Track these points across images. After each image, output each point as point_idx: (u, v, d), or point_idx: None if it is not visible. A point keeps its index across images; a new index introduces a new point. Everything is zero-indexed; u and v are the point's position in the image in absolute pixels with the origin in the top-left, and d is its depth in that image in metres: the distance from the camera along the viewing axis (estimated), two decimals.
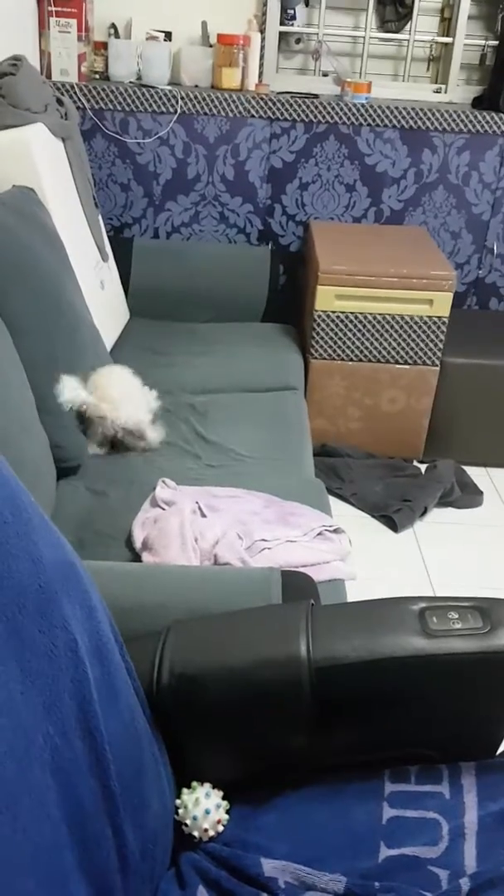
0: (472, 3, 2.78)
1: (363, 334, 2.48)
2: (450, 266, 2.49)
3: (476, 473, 2.66)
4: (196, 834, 0.94)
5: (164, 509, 1.58)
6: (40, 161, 1.96)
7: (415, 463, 2.69)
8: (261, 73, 2.80)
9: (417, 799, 0.96)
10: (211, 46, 2.72)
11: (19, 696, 0.69)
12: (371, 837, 0.93)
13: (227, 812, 0.97)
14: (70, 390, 1.73)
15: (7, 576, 0.71)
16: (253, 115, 2.68)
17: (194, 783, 0.97)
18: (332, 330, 2.48)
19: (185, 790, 0.96)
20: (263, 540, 1.49)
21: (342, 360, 2.52)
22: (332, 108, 2.68)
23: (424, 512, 2.45)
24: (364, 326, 2.47)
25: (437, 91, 2.93)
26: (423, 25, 2.90)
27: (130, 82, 2.70)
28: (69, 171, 2.20)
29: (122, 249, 2.63)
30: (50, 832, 0.69)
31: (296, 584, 1.14)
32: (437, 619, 0.94)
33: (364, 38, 2.88)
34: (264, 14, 2.76)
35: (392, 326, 2.47)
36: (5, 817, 0.63)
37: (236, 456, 1.90)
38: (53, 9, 2.52)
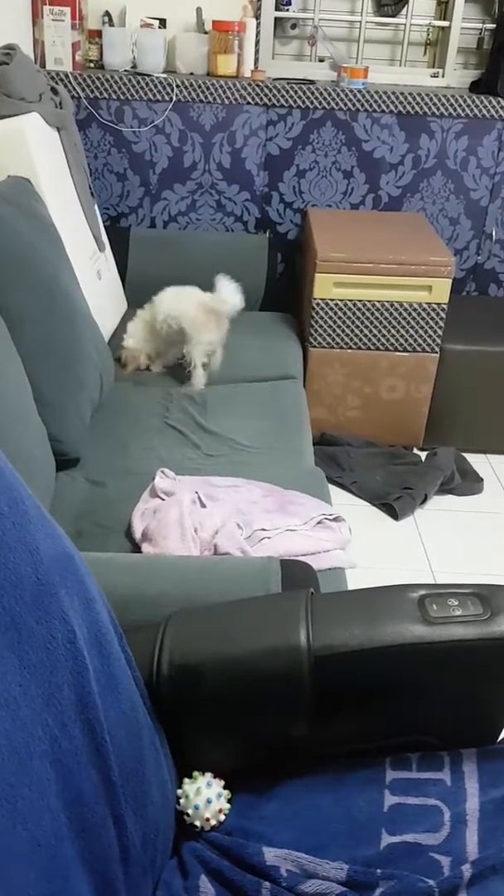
0: None
1: (362, 322, 2.47)
2: (448, 252, 2.48)
3: (476, 460, 2.66)
4: (198, 823, 0.95)
5: (163, 500, 1.58)
6: (35, 151, 1.95)
7: (415, 451, 2.68)
8: (256, 60, 2.78)
9: (419, 786, 0.96)
10: (206, 33, 2.70)
11: (18, 688, 0.68)
12: (372, 825, 0.93)
13: (229, 801, 0.97)
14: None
15: (4, 567, 0.70)
16: (249, 102, 2.66)
17: (195, 773, 0.97)
18: (330, 318, 2.47)
19: (186, 780, 0.96)
20: (263, 529, 1.49)
21: (341, 348, 2.52)
22: (329, 94, 2.66)
23: (425, 499, 2.45)
24: (363, 314, 2.46)
25: (435, 75, 2.91)
26: (420, 9, 2.87)
27: (125, 70, 2.68)
28: (65, 161, 2.19)
29: (118, 239, 2.62)
30: (50, 823, 0.68)
31: (295, 574, 1.14)
32: (437, 607, 0.94)
33: (360, 22, 2.86)
34: (259, 0, 2.73)
35: (391, 314, 2.46)
36: (5, 809, 0.63)
37: (236, 446, 1.90)
38: None
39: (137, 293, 2.62)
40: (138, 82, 2.62)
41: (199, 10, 2.71)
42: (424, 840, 0.91)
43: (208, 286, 2.67)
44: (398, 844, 0.91)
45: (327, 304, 2.45)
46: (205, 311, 2.14)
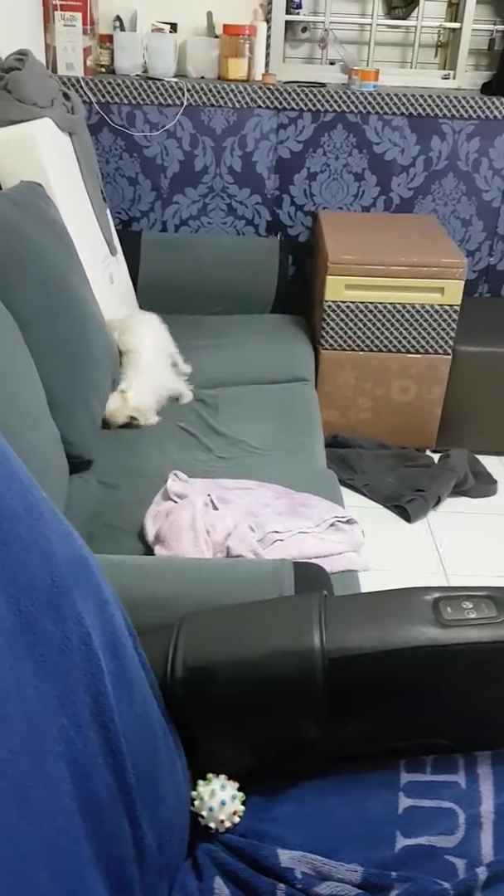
0: None
1: (373, 324, 2.47)
2: (461, 254, 2.47)
3: (490, 462, 2.65)
4: (212, 825, 0.95)
5: (175, 502, 1.58)
6: (47, 156, 1.96)
7: (427, 452, 2.68)
8: (267, 63, 2.78)
9: (433, 788, 0.96)
10: (217, 37, 2.71)
11: (33, 689, 0.69)
12: (387, 827, 0.93)
13: (243, 803, 0.97)
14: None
15: (20, 570, 0.71)
16: (260, 106, 2.67)
17: (209, 775, 0.97)
18: (342, 320, 2.47)
19: (200, 782, 0.96)
20: (276, 532, 1.49)
21: (352, 350, 2.51)
22: (340, 97, 2.66)
23: (438, 502, 2.44)
24: (374, 316, 2.46)
25: (446, 77, 2.90)
26: (431, 11, 2.87)
27: (136, 75, 2.69)
28: (76, 166, 2.20)
29: (130, 243, 2.63)
30: (65, 824, 0.69)
31: (308, 576, 1.14)
32: (452, 609, 0.94)
33: (371, 25, 2.86)
34: (270, 3, 2.74)
35: (403, 315, 2.46)
36: (20, 809, 0.63)
37: (248, 448, 1.90)
38: (58, 2, 2.51)
39: (149, 297, 2.63)
40: (149, 87, 2.63)
41: (209, 14, 2.72)
42: (439, 843, 0.90)
43: (219, 289, 2.69)
44: (413, 847, 0.90)
45: (338, 307, 2.45)
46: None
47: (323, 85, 2.72)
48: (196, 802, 0.95)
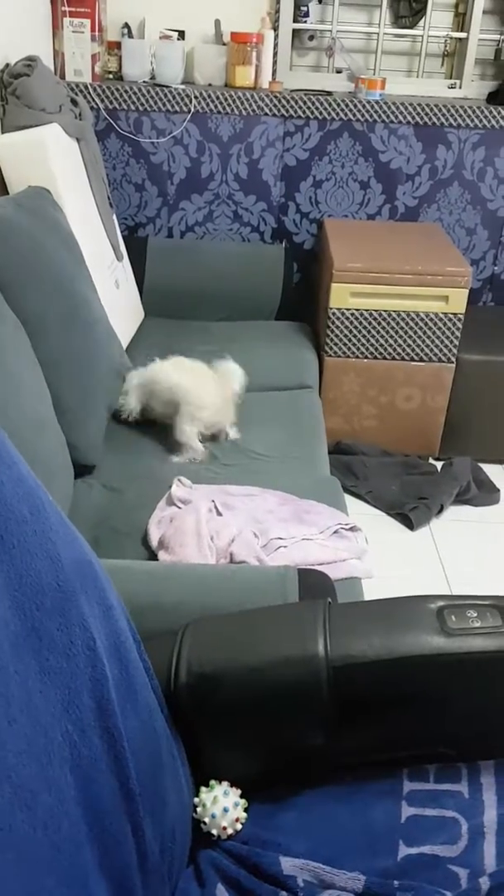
0: None
1: (378, 331, 2.47)
2: (465, 262, 2.48)
3: (493, 471, 2.65)
4: (214, 832, 0.95)
5: (179, 508, 1.59)
6: (55, 161, 1.97)
7: (431, 460, 2.68)
8: (274, 71, 2.79)
9: (436, 798, 0.96)
10: (224, 45, 2.72)
11: (38, 694, 0.69)
12: (390, 836, 0.92)
13: (246, 810, 0.97)
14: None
15: (25, 574, 0.71)
16: (266, 113, 2.68)
17: (212, 781, 0.97)
18: (346, 327, 2.47)
19: (203, 788, 0.96)
20: (279, 538, 1.49)
21: (357, 357, 2.52)
22: (346, 105, 2.67)
23: (441, 510, 2.44)
24: (379, 324, 2.46)
25: (452, 86, 2.91)
26: (437, 20, 2.88)
27: (144, 82, 2.70)
28: (84, 171, 2.21)
29: (136, 249, 2.63)
30: (69, 829, 0.69)
31: (312, 583, 1.14)
32: (456, 618, 0.93)
33: (378, 34, 2.87)
34: (277, 11, 2.75)
35: (407, 323, 2.46)
36: (25, 814, 0.63)
37: (252, 454, 1.90)
38: (67, 9, 2.53)
39: (154, 303, 2.64)
40: (157, 93, 2.64)
41: (217, 22, 2.73)
42: (442, 852, 0.90)
43: (224, 295, 2.69)
44: (415, 856, 0.90)
45: (343, 314, 2.45)
46: (202, 384, 1.95)
47: (329, 93, 2.73)
48: (198, 809, 0.95)
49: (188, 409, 1.88)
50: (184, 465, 1.84)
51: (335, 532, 1.55)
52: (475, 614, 0.94)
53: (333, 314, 2.46)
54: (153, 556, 1.49)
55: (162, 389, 1.94)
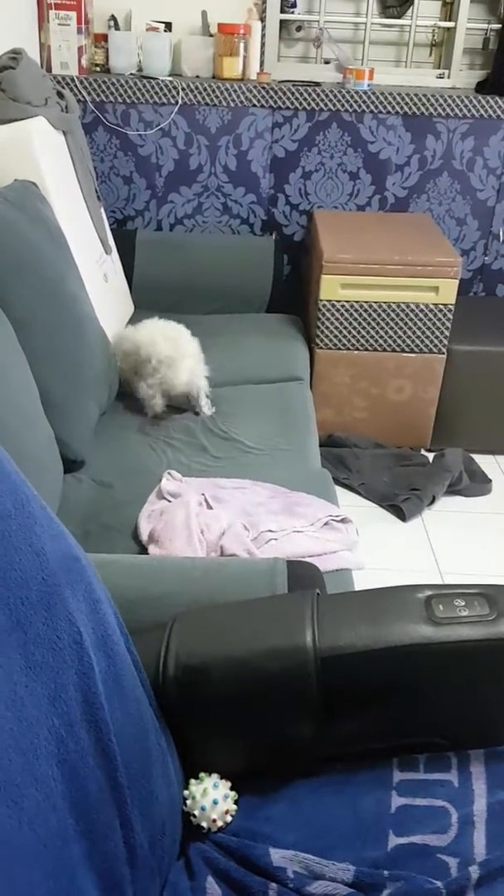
0: None
1: (368, 323, 2.47)
2: (455, 253, 2.47)
3: (484, 461, 2.65)
4: (204, 824, 0.95)
5: (169, 501, 1.58)
6: (41, 155, 1.95)
7: (422, 452, 2.68)
8: (262, 62, 2.78)
9: (426, 787, 0.96)
10: (211, 36, 2.70)
11: (24, 688, 0.69)
12: (380, 826, 0.93)
13: (235, 802, 0.97)
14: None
15: (10, 568, 0.70)
16: (254, 105, 2.67)
17: (202, 774, 0.97)
18: (337, 319, 2.47)
19: (192, 781, 0.96)
20: (270, 531, 1.48)
21: (348, 349, 2.51)
22: (335, 96, 2.66)
23: (432, 501, 2.44)
24: (369, 315, 2.46)
25: (440, 76, 2.91)
26: (425, 10, 2.87)
27: (131, 74, 2.69)
28: (71, 165, 2.19)
29: (125, 242, 2.62)
30: (56, 824, 0.69)
31: (301, 574, 1.14)
32: (444, 607, 0.94)
33: (365, 24, 2.86)
34: (264, 2, 2.74)
35: (398, 315, 2.46)
36: (11, 809, 0.63)
37: (242, 447, 1.90)
38: (53, 1, 2.51)
39: (144, 296, 2.63)
40: (144, 86, 2.62)
41: (204, 14, 2.72)
42: (432, 841, 0.90)
43: (214, 288, 2.68)
44: (405, 846, 0.90)
45: (334, 306, 2.45)
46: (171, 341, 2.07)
47: (318, 84, 2.72)
48: (188, 801, 0.95)
49: (148, 367, 2.02)
50: (175, 458, 1.83)
51: (326, 524, 1.55)
52: (463, 603, 0.94)
53: (324, 306, 2.45)
54: (144, 550, 1.49)
55: (130, 350, 2.08)
